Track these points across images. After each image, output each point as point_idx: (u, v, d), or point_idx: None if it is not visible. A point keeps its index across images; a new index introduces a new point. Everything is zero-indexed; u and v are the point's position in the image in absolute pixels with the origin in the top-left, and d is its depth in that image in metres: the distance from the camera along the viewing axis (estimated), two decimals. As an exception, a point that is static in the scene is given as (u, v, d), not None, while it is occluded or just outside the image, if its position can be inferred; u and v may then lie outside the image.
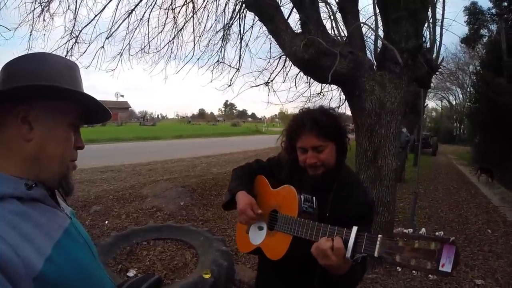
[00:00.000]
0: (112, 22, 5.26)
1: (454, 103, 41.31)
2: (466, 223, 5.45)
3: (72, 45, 5.15)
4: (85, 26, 5.12)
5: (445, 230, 4.50)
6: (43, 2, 4.71)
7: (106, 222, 4.40)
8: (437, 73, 5.24)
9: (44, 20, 4.85)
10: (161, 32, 5.76)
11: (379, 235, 0.90)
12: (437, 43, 4.00)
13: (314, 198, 1.21)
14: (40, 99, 0.67)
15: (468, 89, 29.09)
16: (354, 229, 0.96)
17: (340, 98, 6.95)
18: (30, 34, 4.86)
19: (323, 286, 1.12)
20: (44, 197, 0.68)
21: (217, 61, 6.31)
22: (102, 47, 5.36)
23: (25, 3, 4.55)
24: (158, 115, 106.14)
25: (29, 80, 0.65)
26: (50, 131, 0.68)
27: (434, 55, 3.96)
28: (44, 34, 4.97)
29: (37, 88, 0.66)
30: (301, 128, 1.23)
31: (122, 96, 61.60)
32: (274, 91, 6.53)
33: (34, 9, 4.68)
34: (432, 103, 41.68)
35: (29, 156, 0.66)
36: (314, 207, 1.19)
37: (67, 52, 5.06)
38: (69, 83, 0.70)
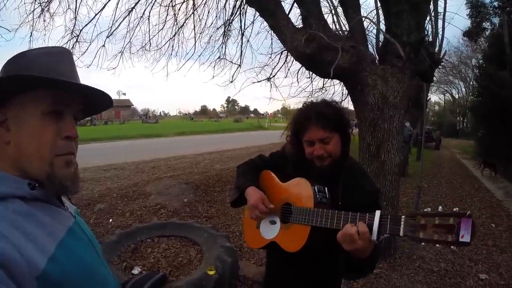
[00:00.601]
0: (113, 21, 5.29)
1: (457, 96, 41.14)
2: (470, 217, 5.42)
3: (73, 45, 5.19)
4: (86, 25, 5.16)
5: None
6: (43, 2, 4.72)
7: (110, 220, 4.42)
8: (440, 66, 5.21)
9: (44, 20, 4.88)
10: (161, 29, 5.80)
11: (402, 216, 0.97)
12: (439, 36, 3.97)
13: (326, 188, 1.23)
14: (17, 96, 0.64)
15: (471, 83, 28.86)
16: (378, 213, 1.01)
17: (342, 92, 6.96)
18: (31, 35, 4.89)
19: (347, 270, 1.19)
20: (47, 196, 0.67)
21: (219, 57, 6.34)
22: (103, 45, 5.40)
23: (24, 3, 4.57)
24: (160, 113, 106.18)
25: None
26: (21, 127, 0.64)
27: (437, 48, 3.92)
28: (45, 34, 5.00)
29: (8, 83, 0.62)
30: (307, 121, 1.26)
31: (124, 94, 61.47)
32: (276, 87, 6.57)
33: (34, 9, 4.70)
34: (435, 97, 41.68)
35: (13, 159, 0.65)
36: (327, 197, 1.22)
37: (68, 51, 5.07)
38: (43, 71, 0.64)
